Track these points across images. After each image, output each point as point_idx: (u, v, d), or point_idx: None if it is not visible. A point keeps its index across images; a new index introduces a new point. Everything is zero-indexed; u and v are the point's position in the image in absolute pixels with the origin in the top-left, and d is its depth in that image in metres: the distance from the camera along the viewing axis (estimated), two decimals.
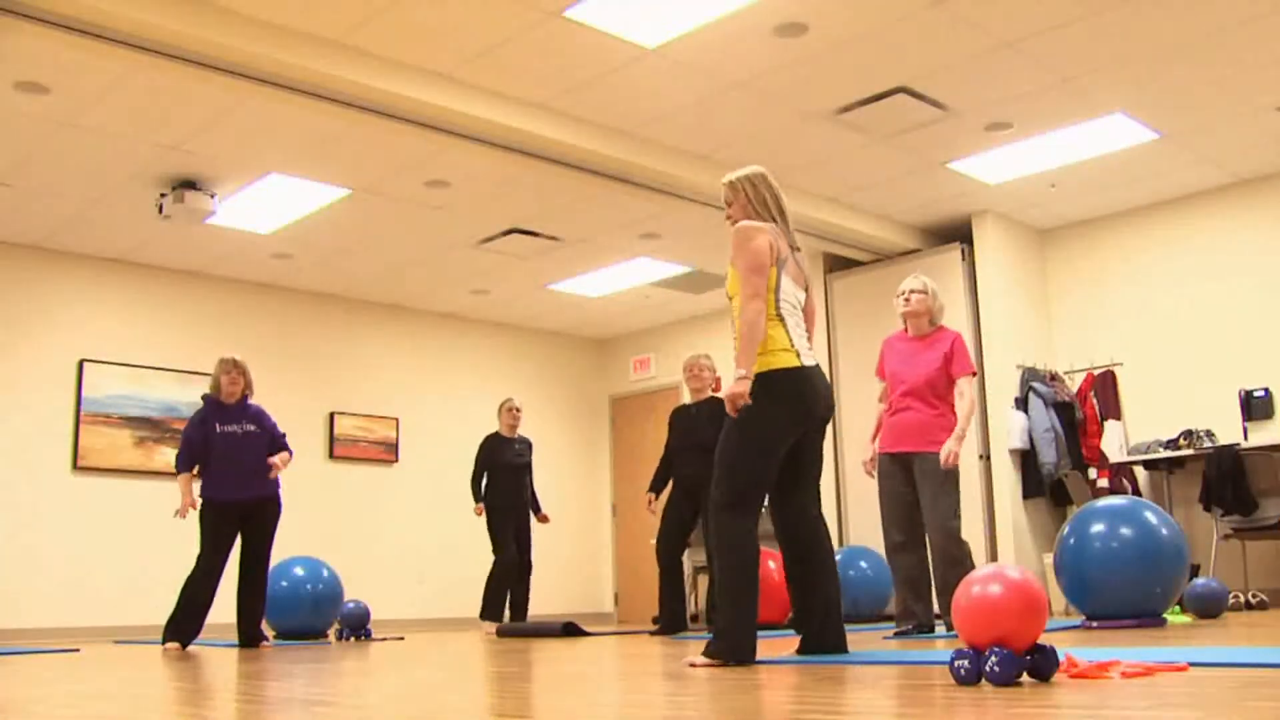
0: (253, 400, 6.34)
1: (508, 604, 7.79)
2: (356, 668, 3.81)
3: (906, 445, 5.26)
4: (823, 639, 3.60)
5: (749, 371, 3.47)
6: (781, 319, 3.57)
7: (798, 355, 3.56)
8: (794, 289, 3.66)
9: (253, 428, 6.20)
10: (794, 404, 3.53)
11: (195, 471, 6.08)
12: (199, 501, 6.03)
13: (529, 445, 8.07)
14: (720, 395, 6.77)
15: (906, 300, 5.38)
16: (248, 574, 6.15)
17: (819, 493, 3.73)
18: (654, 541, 6.85)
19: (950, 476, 5.18)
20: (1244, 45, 5.92)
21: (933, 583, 5.22)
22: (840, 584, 3.69)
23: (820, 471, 3.73)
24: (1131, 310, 8.30)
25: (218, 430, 6.09)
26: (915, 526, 5.28)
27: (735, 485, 3.51)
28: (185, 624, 5.95)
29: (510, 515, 7.77)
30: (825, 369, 8.94)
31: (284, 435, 6.36)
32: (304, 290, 9.81)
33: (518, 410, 8.01)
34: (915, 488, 5.26)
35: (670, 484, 6.89)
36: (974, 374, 5.29)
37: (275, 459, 6.17)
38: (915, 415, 5.25)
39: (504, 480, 7.80)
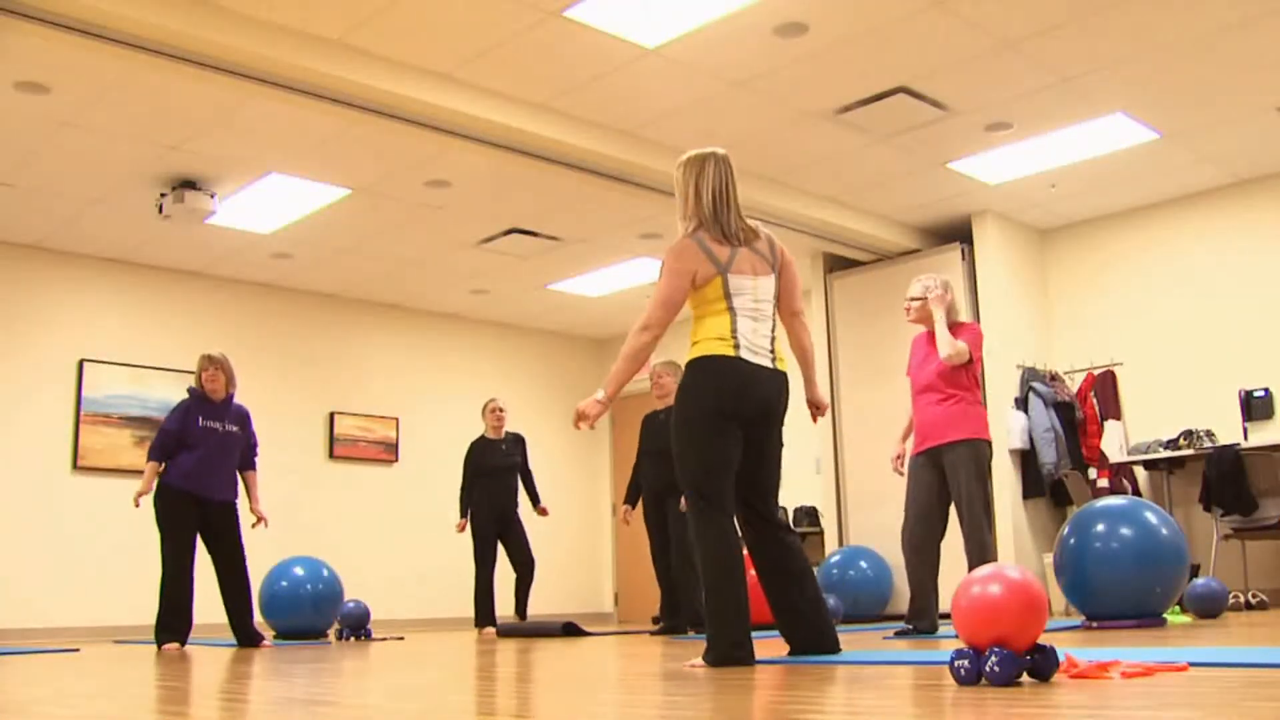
0: (247, 399, 6.34)
1: (512, 602, 7.76)
2: (356, 668, 3.80)
3: (932, 440, 5.28)
4: (811, 643, 3.50)
5: (606, 396, 3.45)
6: (731, 311, 3.48)
7: (735, 346, 3.44)
8: (750, 282, 3.52)
9: (234, 429, 6.23)
10: (716, 388, 3.42)
11: (164, 466, 6.10)
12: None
13: (519, 443, 7.90)
14: None
15: (908, 310, 5.43)
16: (227, 578, 6.16)
17: (775, 501, 3.58)
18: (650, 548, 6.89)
19: (980, 466, 5.21)
20: (1244, 45, 5.92)
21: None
22: (818, 586, 3.56)
23: (775, 481, 3.58)
24: (1131, 310, 8.30)
25: (200, 424, 6.11)
26: (934, 527, 5.29)
27: (691, 483, 3.43)
28: (174, 623, 5.97)
29: (492, 520, 7.62)
30: (824, 369, 8.91)
31: (257, 446, 6.42)
32: (304, 290, 9.81)
33: (501, 411, 7.87)
34: (944, 485, 5.28)
35: (642, 493, 6.92)
36: (969, 348, 5.21)
37: (262, 512, 6.36)
38: (934, 410, 5.28)
39: (489, 484, 7.66)
